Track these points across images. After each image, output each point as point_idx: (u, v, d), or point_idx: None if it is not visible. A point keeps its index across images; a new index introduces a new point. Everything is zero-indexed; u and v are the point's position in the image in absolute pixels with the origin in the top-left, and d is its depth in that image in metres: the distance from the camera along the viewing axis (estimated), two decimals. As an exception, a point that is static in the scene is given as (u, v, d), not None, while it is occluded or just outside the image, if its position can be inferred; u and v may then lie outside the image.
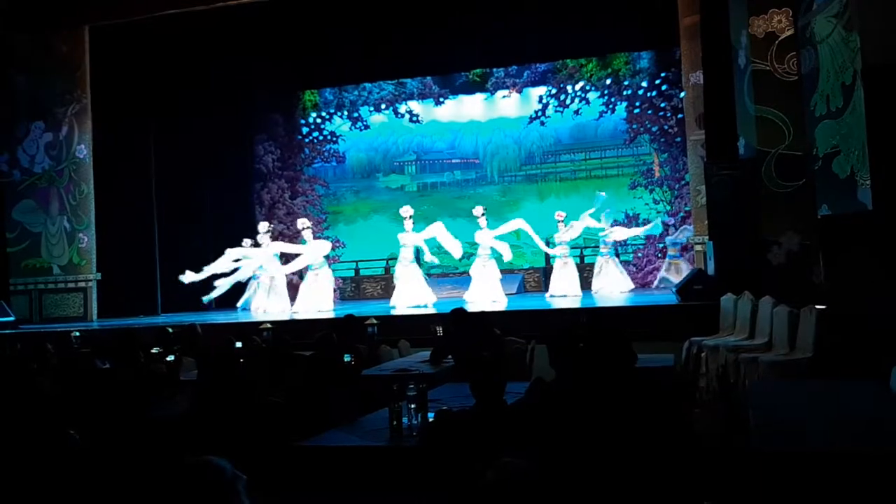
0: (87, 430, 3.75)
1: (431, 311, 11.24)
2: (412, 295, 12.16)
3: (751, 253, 9.48)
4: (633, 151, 15.58)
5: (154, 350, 6.83)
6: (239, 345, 7.29)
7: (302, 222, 13.26)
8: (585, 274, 13.82)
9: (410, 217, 12.65)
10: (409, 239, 12.61)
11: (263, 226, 13.35)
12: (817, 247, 8.62)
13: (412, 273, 12.44)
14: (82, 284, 13.65)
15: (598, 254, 13.89)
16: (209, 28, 13.57)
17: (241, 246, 13.37)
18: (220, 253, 13.97)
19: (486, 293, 12.36)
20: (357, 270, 16.41)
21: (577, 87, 15.78)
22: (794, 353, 6.70)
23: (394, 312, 11.56)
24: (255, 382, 5.12)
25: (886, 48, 7.05)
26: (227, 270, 13.06)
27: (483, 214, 12.90)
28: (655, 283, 14.06)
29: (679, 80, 13.98)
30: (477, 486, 2.34)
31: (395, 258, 13.13)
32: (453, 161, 16.70)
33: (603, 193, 13.87)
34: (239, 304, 13.53)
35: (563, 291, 13.03)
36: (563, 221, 13.44)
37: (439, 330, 8.17)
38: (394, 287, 12.77)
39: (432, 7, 13.52)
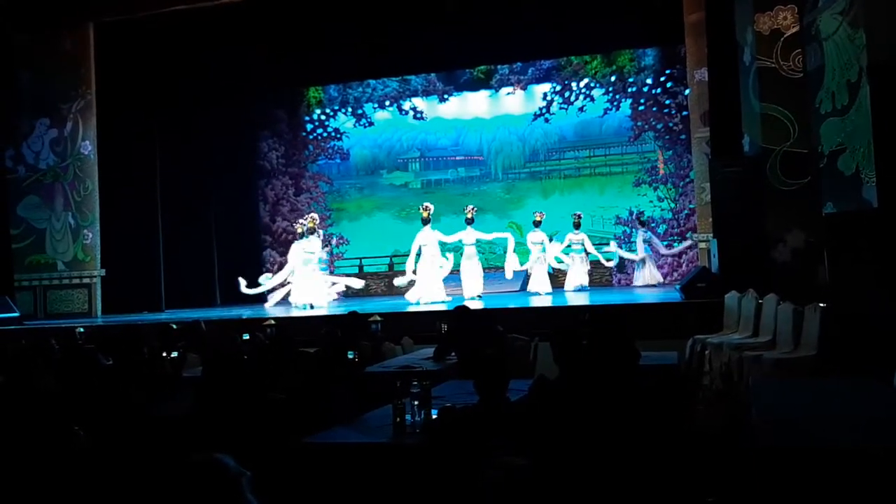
0: (90, 427, 3.75)
1: (435, 308, 11.24)
2: (433, 291, 12.21)
3: (755, 250, 9.47)
4: (638, 148, 15.54)
5: (158, 346, 6.83)
6: (246, 336, 7.32)
7: (312, 218, 13.31)
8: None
9: (428, 213, 12.82)
10: (431, 237, 12.67)
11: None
12: (822, 244, 8.60)
13: (439, 269, 12.54)
14: (87, 280, 13.67)
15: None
16: (214, 24, 13.57)
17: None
18: (223, 250, 13.99)
19: (471, 289, 12.41)
20: (361, 267, 16.43)
21: (582, 84, 15.75)
22: (798, 350, 6.69)
23: (410, 309, 11.51)
24: (259, 379, 5.12)
25: (892, 45, 7.02)
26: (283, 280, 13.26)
27: (472, 216, 13.00)
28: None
29: (684, 78, 13.96)
30: (477, 484, 2.34)
31: (399, 255, 13.13)
32: (457, 158, 16.67)
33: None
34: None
35: (536, 289, 13.22)
36: (540, 222, 13.80)
37: (444, 327, 8.17)
38: (412, 283, 12.73)
39: (436, 3, 13.50)
